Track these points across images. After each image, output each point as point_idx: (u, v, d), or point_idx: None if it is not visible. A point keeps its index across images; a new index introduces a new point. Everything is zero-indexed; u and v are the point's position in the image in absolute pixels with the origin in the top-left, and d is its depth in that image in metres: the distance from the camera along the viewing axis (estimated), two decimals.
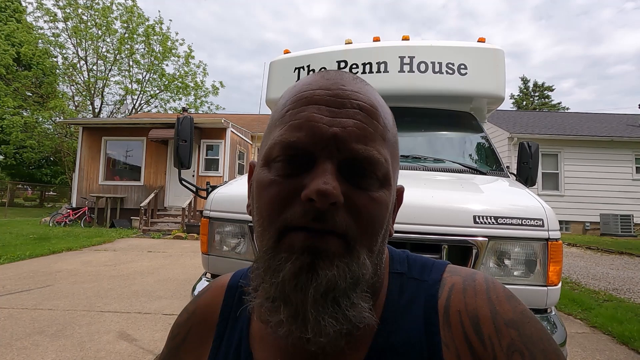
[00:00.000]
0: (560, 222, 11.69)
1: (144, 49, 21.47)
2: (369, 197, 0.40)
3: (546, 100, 33.30)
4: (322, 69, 2.72)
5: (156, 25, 21.37)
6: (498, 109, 3.15)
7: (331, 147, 0.38)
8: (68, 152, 19.03)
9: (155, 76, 22.38)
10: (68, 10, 19.30)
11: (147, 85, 22.59)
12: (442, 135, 2.69)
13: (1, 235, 8.55)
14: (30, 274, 5.09)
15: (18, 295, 4.06)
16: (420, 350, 0.41)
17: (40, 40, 19.26)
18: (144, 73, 22.16)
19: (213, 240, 1.70)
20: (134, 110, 22.20)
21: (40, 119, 18.93)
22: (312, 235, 0.37)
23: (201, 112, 23.58)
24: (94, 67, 20.79)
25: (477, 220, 1.42)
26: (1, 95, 17.70)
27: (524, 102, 33.50)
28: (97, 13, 19.76)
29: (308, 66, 2.77)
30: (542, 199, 1.59)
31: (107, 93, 22.09)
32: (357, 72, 2.66)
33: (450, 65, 2.57)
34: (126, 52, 20.92)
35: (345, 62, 2.70)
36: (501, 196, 1.77)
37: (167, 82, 22.51)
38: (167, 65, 22.62)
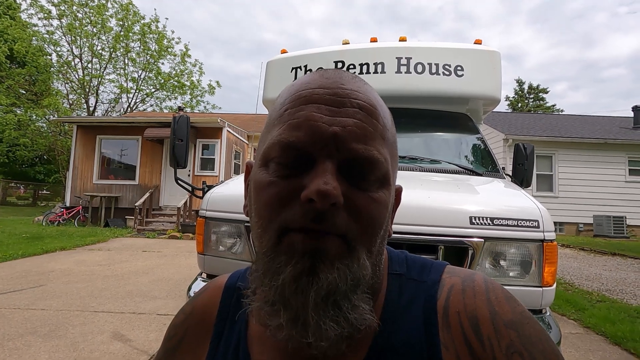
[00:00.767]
0: (554, 223, 11.78)
1: (140, 47, 21.36)
2: (369, 197, 0.39)
3: (541, 102, 33.61)
4: (320, 69, 2.72)
5: (152, 23, 21.27)
6: (493, 110, 3.17)
7: (331, 146, 0.38)
8: (62, 151, 18.86)
9: (151, 75, 22.27)
10: (63, 8, 19.14)
11: (142, 84, 22.49)
12: (439, 136, 2.70)
13: None
14: (23, 273, 5.03)
15: (10, 295, 4.01)
16: (420, 351, 0.41)
17: (34, 38, 19.07)
18: (140, 71, 22.06)
19: (209, 240, 1.69)
20: (129, 109, 22.06)
21: (34, 116, 18.75)
22: (312, 236, 0.37)
23: (197, 112, 23.49)
24: (89, 65, 20.66)
25: (473, 221, 1.43)
26: None
27: (519, 104, 33.78)
28: (92, 10, 19.61)
29: (305, 66, 2.76)
30: (537, 200, 1.60)
31: (102, 91, 22.05)
32: (354, 72, 2.66)
33: (447, 67, 2.58)
34: (121, 50, 20.79)
35: (343, 62, 2.70)
36: (497, 197, 1.78)
37: (162, 81, 22.40)
38: (162, 63, 22.56)
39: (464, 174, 2.15)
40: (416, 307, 0.44)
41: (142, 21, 21.04)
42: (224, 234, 1.67)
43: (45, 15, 19.19)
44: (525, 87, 34.29)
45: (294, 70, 2.80)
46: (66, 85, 20.91)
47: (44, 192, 26.16)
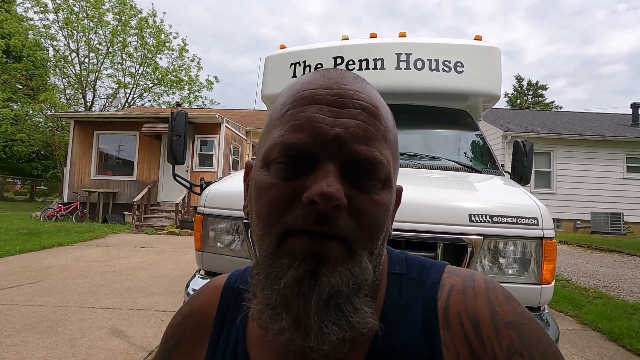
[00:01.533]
0: (552, 220, 11.84)
1: (137, 41, 21.20)
2: (371, 199, 0.39)
3: (540, 98, 33.63)
4: (319, 65, 2.70)
5: (149, 17, 21.10)
6: (493, 107, 3.17)
7: (333, 148, 0.38)
8: (59, 146, 18.77)
9: (148, 70, 22.13)
10: (59, 1, 18.97)
11: (140, 79, 22.35)
12: (438, 132, 2.69)
13: None
14: (20, 269, 5.02)
15: (7, 291, 4.00)
16: (420, 352, 0.41)
17: (30, 32, 18.89)
18: (137, 66, 21.91)
19: (207, 236, 1.68)
20: (126, 104, 21.95)
21: (31, 111, 18.63)
22: (314, 239, 0.36)
23: (195, 107, 23.39)
24: (86, 60, 20.50)
25: (473, 218, 1.43)
26: None
27: (518, 101, 33.79)
28: (88, 4, 19.43)
29: (304, 62, 2.75)
30: (536, 198, 1.60)
31: (100, 86, 21.82)
32: (354, 68, 2.65)
33: (446, 63, 2.57)
34: (119, 44, 20.64)
35: (342, 58, 2.68)
36: (496, 195, 1.77)
37: (160, 76, 22.28)
38: (160, 58, 22.44)
39: (463, 171, 2.15)
40: (416, 307, 0.44)
41: (139, 15, 20.89)
42: (222, 231, 1.66)
43: (42, 9, 19.01)
44: (525, 83, 34.29)
45: (292, 66, 2.78)
46: (63, 80, 20.78)
47: (42, 187, 26.09)
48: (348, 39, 2.86)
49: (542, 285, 1.44)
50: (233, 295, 0.53)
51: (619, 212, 12.17)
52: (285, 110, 0.41)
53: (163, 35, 21.69)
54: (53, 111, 17.95)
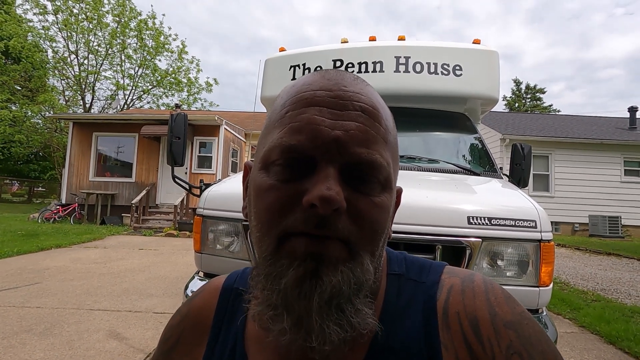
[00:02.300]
0: (550, 223, 11.88)
1: (136, 43, 21.22)
2: (371, 202, 0.39)
3: (538, 102, 33.77)
4: (318, 68, 2.71)
5: (149, 19, 21.12)
6: (491, 110, 3.18)
7: (333, 150, 0.37)
8: (58, 148, 18.72)
9: (147, 71, 22.13)
10: (58, 3, 18.96)
11: (139, 81, 22.34)
12: (437, 135, 2.71)
13: None
14: (18, 271, 5.00)
15: (5, 292, 3.98)
16: (419, 352, 0.41)
17: (29, 33, 18.89)
18: (136, 68, 21.92)
19: (206, 238, 1.68)
20: (125, 106, 21.93)
21: (29, 113, 18.59)
22: (314, 240, 0.36)
23: (194, 109, 23.39)
24: (85, 62, 20.49)
25: (471, 221, 1.43)
26: None
27: (516, 104, 33.92)
28: (88, 6, 19.44)
29: (304, 64, 2.76)
30: (534, 201, 1.60)
31: (99, 88, 21.68)
32: (353, 71, 2.66)
33: (445, 66, 2.59)
34: (118, 46, 20.65)
35: (341, 60, 2.70)
36: (495, 197, 1.78)
37: (159, 78, 22.28)
38: (159, 60, 22.41)
39: (461, 173, 2.15)
40: (415, 307, 0.44)
41: (139, 17, 20.91)
42: (222, 233, 1.67)
43: (41, 10, 19.01)
44: (523, 87, 34.44)
45: (292, 69, 2.79)
46: (62, 81, 20.75)
47: (39, 189, 25.98)
48: (347, 42, 2.87)
49: (540, 288, 1.44)
50: (232, 296, 0.53)
51: (616, 215, 12.19)
52: (284, 112, 0.41)
53: (162, 37, 21.71)
54: (52, 112, 17.92)
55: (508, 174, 2.66)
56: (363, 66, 2.66)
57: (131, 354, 2.64)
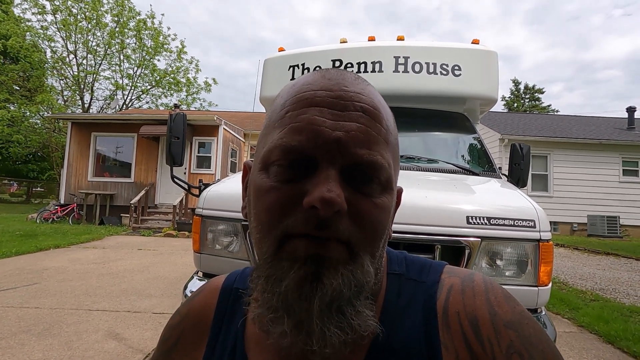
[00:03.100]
0: (549, 222, 11.92)
1: (135, 43, 21.19)
2: (372, 203, 0.39)
3: (536, 102, 33.85)
4: (317, 68, 2.71)
5: (148, 19, 21.10)
6: (490, 110, 3.19)
7: (334, 151, 0.37)
8: (56, 148, 18.70)
9: (146, 71, 22.10)
10: (57, 3, 18.92)
11: (138, 81, 22.31)
12: (436, 135, 2.71)
13: None
14: (16, 271, 4.98)
15: (3, 293, 3.97)
16: (419, 352, 0.41)
17: (28, 33, 18.84)
18: (135, 68, 21.89)
19: (205, 238, 1.68)
20: (124, 106, 21.89)
21: (28, 113, 18.54)
22: (314, 242, 0.36)
23: (193, 109, 23.37)
24: (84, 62, 20.46)
25: (470, 220, 1.43)
26: None
27: (515, 104, 33.98)
28: (87, 6, 19.41)
29: (303, 64, 2.76)
30: (533, 200, 1.61)
31: (97, 88, 21.62)
32: (352, 71, 2.66)
33: (444, 66, 2.59)
34: (117, 46, 20.62)
35: (340, 60, 2.70)
36: (494, 197, 1.78)
37: (158, 78, 22.25)
38: (158, 60, 22.39)
39: (460, 173, 2.16)
40: (415, 307, 0.44)
41: (138, 17, 20.88)
42: (221, 233, 1.66)
43: (40, 10, 18.97)
44: (521, 87, 34.51)
45: (291, 69, 2.79)
46: (60, 81, 20.70)
47: (38, 189, 25.93)
48: (347, 42, 2.88)
49: (539, 287, 1.44)
50: (231, 296, 0.53)
51: (615, 215, 12.22)
52: (284, 112, 0.40)
53: (161, 37, 21.70)
54: (50, 113, 17.88)
55: (507, 174, 2.67)
56: (362, 66, 2.66)
57: (130, 354, 2.63)
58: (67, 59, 20.08)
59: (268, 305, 0.37)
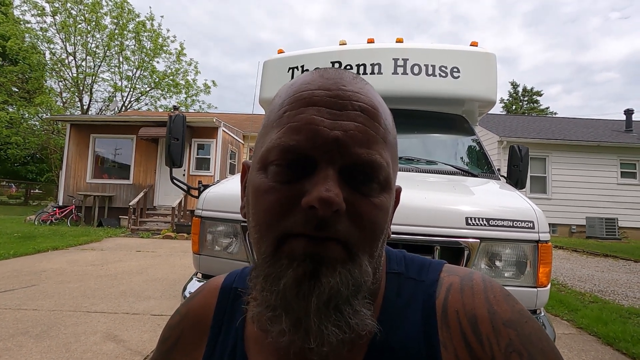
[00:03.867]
0: (548, 224, 11.92)
1: (134, 45, 21.19)
2: (371, 202, 0.39)
3: (535, 104, 33.95)
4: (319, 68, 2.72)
5: (147, 21, 21.11)
6: (488, 112, 3.20)
7: (332, 151, 0.37)
8: (55, 149, 18.66)
9: (145, 73, 22.10)
10: (57, 5, 18.93)
11: (137, 82, 22.31)
12: (435, 137, 2.72)
13: None
14: (14, 273, 4.96)
15: (1, 295, 3.95)
16: (419, 351, 0.41)
17: (27, 35, 18.84)
18: (134, 70, 21.88)
19: (205, 239, 1.68)
20: (123, 108, 21.88)
21: (27, 115, 18.51)
22: (313, 241, 0.36)
23: (192, 111, 23.36)
24: (83, 63, 20.44)
25: (469, 221, 1.44)
26: None
27: (514, 107, 34.08)
28: (86, 8, 19.42)
29: (302, 66, 2.76)
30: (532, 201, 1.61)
31: (96, 90, 21.65)
32: None
33: (443, 68, 2.60)
34: (116, 48, 20.62)
35: (340, 62, 2.70)
36: (492, 198, 1.79)
37: (157, 80, 22.25)
38: (158, 62, 22.38)
39: (459, 175, 2.16)
40: (415, 306, 0.44)
41: (137, 19, 20.89)
42: (220, 234, 1.66)
43: (39, 12, 18.96)
44: (520, 89, 34.62)
45: (290, 70, 2.80)
46: (59, 83, 20.68)
47: (36, 191, 25.85)
48: (346, 43, 2.88)
49: (538, 288, 1.45)
50: (231, 296, 0.53)
51: (613, 217, 12.24)
52: (283, 112, 0.40)
53: (161, 38, 21.71)
54: (49, 114, 17.85)
55: (506, 176, 2.67)
56: (361, 68, 2.67)
57: (128, 356, 2.62)
58: (66, 61, 20.08)
59: (267, 304, 0.37)
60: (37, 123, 19.59)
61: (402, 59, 2.63)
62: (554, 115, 27.62)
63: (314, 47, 2.99)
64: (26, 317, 3.31)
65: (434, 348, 0.41)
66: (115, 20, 20.28)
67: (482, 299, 0.42)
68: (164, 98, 23.54)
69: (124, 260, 6.11)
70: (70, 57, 20.06)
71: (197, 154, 11.84)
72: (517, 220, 1.45)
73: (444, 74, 2.59)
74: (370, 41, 2.85)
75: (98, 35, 20.20)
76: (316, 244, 0.36)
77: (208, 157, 11.82)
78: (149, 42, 21.41)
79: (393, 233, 1.42)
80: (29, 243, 7.22)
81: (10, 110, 18.47)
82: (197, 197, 1.90)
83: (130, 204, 10.46)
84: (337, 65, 2.69)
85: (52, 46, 19.71)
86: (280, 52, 2.99)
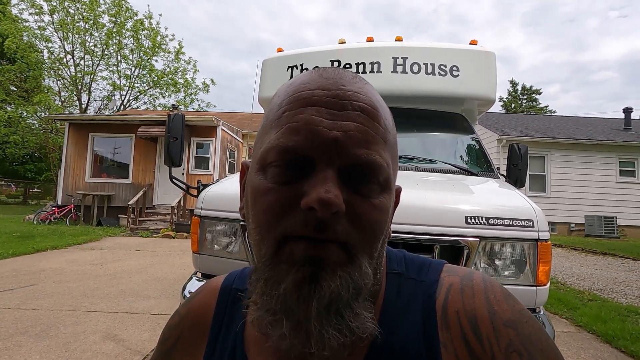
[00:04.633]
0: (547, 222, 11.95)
1: (133, 44, 21.14)
2: (370, 203, 0.38)
3: (534, 103, 33.98)
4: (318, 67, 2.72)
5: (145, 20, 21.05)
6: (487, 111, 3.20)
7: (332, 152, 0.37)
8: (53, 148, 18.62)
9: (144, 72, 22.06)
10: (54, 3, 18.86)
11: (135, 81, 22.26)
12: (434, 136, 2.71)
13: None
14: (13, 272, 4.96)
15: (0, 294, 3.95)
16: (419, 351, 0.41)
17: (25, 33, 18.77)
18: (133, 68, 21.84)
19: (204, 239, 1.68)
20: (122, 107, 21.84)
21: (25, 113, 18.47)
22: (312, 244, 0.36)
23: (191, 110, 23.33)
24: (81, 62, 20.39)
25: (469, 220, 1.44)
26: None
27: (513, 105, 34.10)
28: (84, 6, 19.36)
29: (301, 65, 2.76)
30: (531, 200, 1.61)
31: (95, 89, 21.70)
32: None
33: (442, 67, 2.59)
34: (114, 46, 20.56)
35: (339, 61, 2.70)
36: (492, 197, 1.79)
37: (156, 78, 22.21)
38: (156, 60, 22.33)
39: (459, 173, 2.16)
40: (415, 306, 0.44)
41: (135, 17, 20.83)
42: (220, 233, 1.66)
43: (37, 10, 18.91)
44: (519, 88, 34.64)
45: (289, 69, 2.79)
46: (58, 82, 20.64)
47: (35, 190, 25.81)
48: (345, 42, 2.88)
49: (538, 287, 1.45)
50: (230, 297, 0.52)
51: (612, 215, 12.28)
52: (281, 112, 0.40)
53: (159, 37, 21.65)
54: (47, 113, 17.82)
55: (505, 174, 2.67)
56: (360, 67, 2.66)
57: (128, 355, 2.62)
58: (65, 60, 20.02)
59: (267, 308, 0.37)
60: (35, 122, 19.56)
61: (402, 58, 2.63)
62: (553, 114, 27.65)
63: (313, 46, 2.99)
64: (25, 316, 3.31)
65: (434, 348, 0.41)
66: (113, 19, 20.22)
67: (482, 299, 0.42)
68: (163, 97, 23.54)
69: (123, 260, 6.11)
70: (69, 56, 20.04)
71: (196, 153, 11.82)
72: (517, 219, 1.45)
73: (443, 73, 2.59)
74: (370, 40, 2.84)
75: (96, 34, 20.16)
76: (316, 246, 0.36)
77: (207, 156, 11.81)
78: (147, 41, 21.36)
79: (393, 232, 1.42)
80: (28, 242, 7.21)
81: (9, 109, 18.44)
82: (197, 196, 1.89)
83: (129, 203, 10.45)
84: (336, 64, 2.68)
85: (50, 45, 19.69)
86: (280, 50, 2.98)
